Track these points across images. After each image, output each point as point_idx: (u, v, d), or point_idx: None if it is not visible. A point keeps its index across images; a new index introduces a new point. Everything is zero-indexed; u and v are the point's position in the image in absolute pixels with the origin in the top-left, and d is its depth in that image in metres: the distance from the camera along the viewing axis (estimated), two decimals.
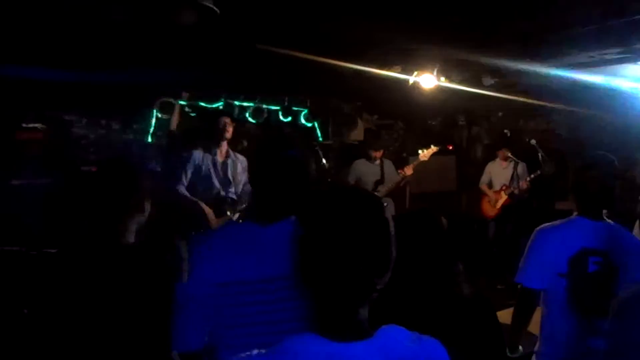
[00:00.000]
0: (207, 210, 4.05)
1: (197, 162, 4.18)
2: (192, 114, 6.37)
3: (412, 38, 3.97)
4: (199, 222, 4.00)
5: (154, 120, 6.13)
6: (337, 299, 0.98)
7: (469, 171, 7.45)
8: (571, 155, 6.50)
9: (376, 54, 4.56)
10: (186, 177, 4.16)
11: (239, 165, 4.31)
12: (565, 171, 6.28)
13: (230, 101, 6.57)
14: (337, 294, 0.97)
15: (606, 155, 2.21)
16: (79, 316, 1.57)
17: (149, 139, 6.14)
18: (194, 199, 4.10)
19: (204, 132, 4.56)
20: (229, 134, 4.26)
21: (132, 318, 1.61)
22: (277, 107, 7.05)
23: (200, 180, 4.18)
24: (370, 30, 3.75)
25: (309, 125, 7.55)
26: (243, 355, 0.98)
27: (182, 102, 6.24)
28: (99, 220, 1.67)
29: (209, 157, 4.22)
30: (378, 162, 5.93)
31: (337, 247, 0.96)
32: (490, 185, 6.62)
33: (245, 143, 6.73)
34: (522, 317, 2.31)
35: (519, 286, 2.27)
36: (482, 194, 6.68)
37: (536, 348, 2.27)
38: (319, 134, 7.55)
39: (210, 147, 4.25)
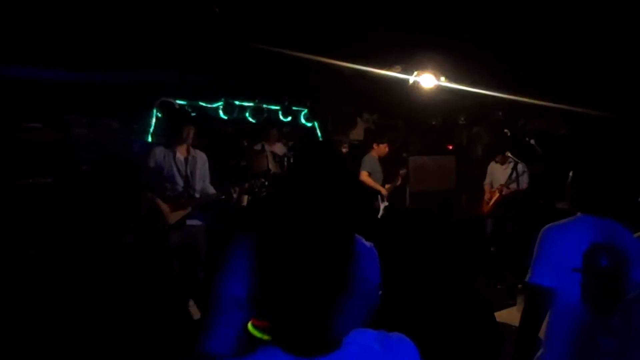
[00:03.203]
0: (163, 206, 4.10)
1: (157, 159, 4.24)
2: (193, 114, 6.37)
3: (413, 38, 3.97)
4: (156, 218, 4.04)
5: (154, 120, 6.13)
6: (298, 315, 0.94)
7: (469, 171, 7.46)
8: (571, 154, 6.50)
9: (376, 53, 4.56)
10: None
11: (199, 161, 4.42)
12: (564, 171, 6.27)
13: (231, 101, 6.57)
14: (297, 309, 0.94)
15: (607, 153, 2.22)
16: (84, 313, 1.57)
17: (149, 139, 6.13)
18: (150, 194, 4.16)
19: (167, 133, 4.61)
20: (190, 139, 4.37)
21: (136, 313, 1.60)
22: (277, 107, 7.05)
23: (162, 176, 4.25)
24: (371, 30, 3.75)
25: (309, 125, 7.55)
26: None
27: (180, 102, 6.24)
28: (102, 219, 1.67)
29: (170, 154, 4.29)
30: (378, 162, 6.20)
31: (295, 260, 0.93)
32: (491, 185, 6.76)
33: (245, 143, 6.74)
34: (534, 321, 2.13)
35: (520, 286, 2.20)
36: (483, 193, 6.83)
37: (541, 348, 2.24)
38: (319, 134, 7.55)
39: (170, 145, 4.33)
